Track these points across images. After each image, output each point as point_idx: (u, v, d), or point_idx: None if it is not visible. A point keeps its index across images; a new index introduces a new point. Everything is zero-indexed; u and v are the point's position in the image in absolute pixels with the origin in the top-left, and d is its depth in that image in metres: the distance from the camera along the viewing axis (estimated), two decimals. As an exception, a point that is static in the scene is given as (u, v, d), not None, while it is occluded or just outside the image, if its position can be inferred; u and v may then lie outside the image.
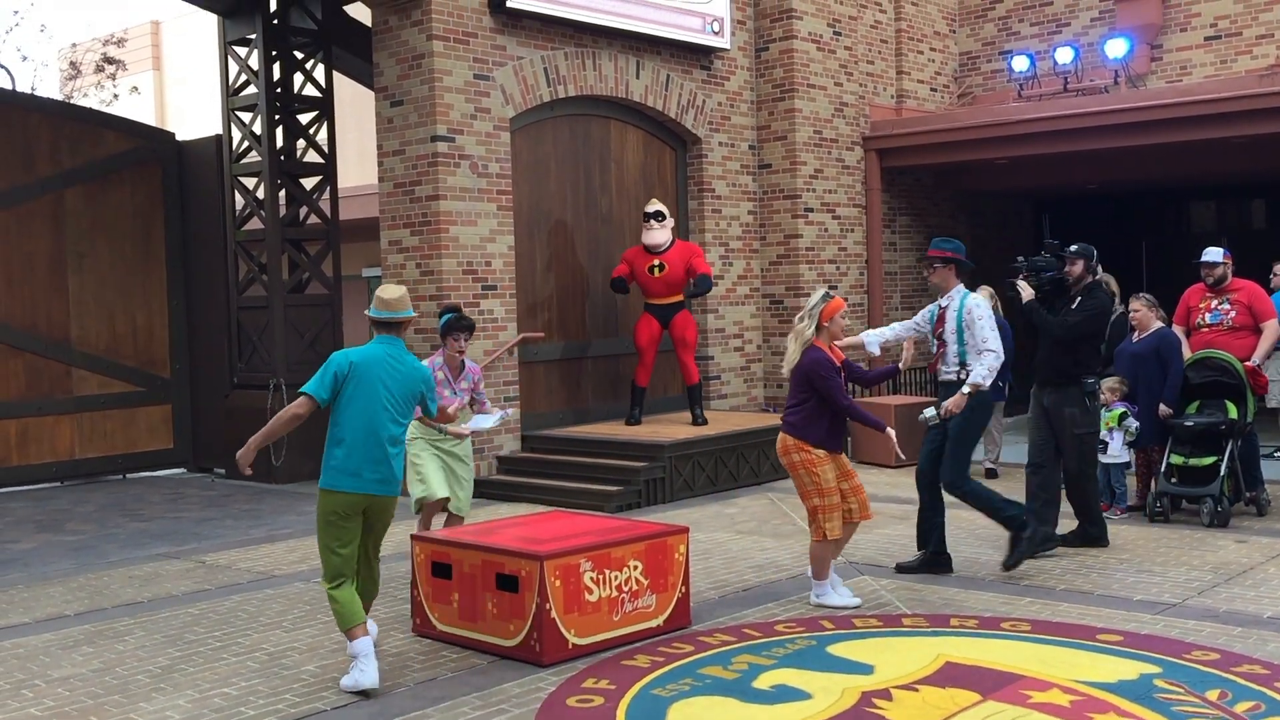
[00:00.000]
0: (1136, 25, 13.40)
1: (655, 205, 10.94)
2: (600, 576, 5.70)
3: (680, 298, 10.86)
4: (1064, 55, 13.13)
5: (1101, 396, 8.12)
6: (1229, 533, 7.90)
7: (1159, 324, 8.46)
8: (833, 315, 6.23)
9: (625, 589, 5.80)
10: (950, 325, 6.85)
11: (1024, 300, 7.36)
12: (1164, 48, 13.52)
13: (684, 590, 6.09)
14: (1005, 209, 16.07)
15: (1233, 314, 8.60)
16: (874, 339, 7.13)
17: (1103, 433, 8.40)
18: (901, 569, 7.07)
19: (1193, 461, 8.21)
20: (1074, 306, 7.37)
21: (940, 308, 6.96)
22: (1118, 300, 9.05)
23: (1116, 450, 8.38)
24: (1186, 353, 8.61)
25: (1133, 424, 8.31)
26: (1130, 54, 12.95)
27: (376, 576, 5.57)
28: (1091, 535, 7.53)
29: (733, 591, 6.72)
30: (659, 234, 10.75)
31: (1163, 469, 8.37)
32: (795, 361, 6.21)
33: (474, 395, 7.18)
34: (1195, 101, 11.49)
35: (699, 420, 10.82)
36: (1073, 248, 7.49)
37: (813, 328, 6.19)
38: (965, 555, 7.44)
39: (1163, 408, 8.27)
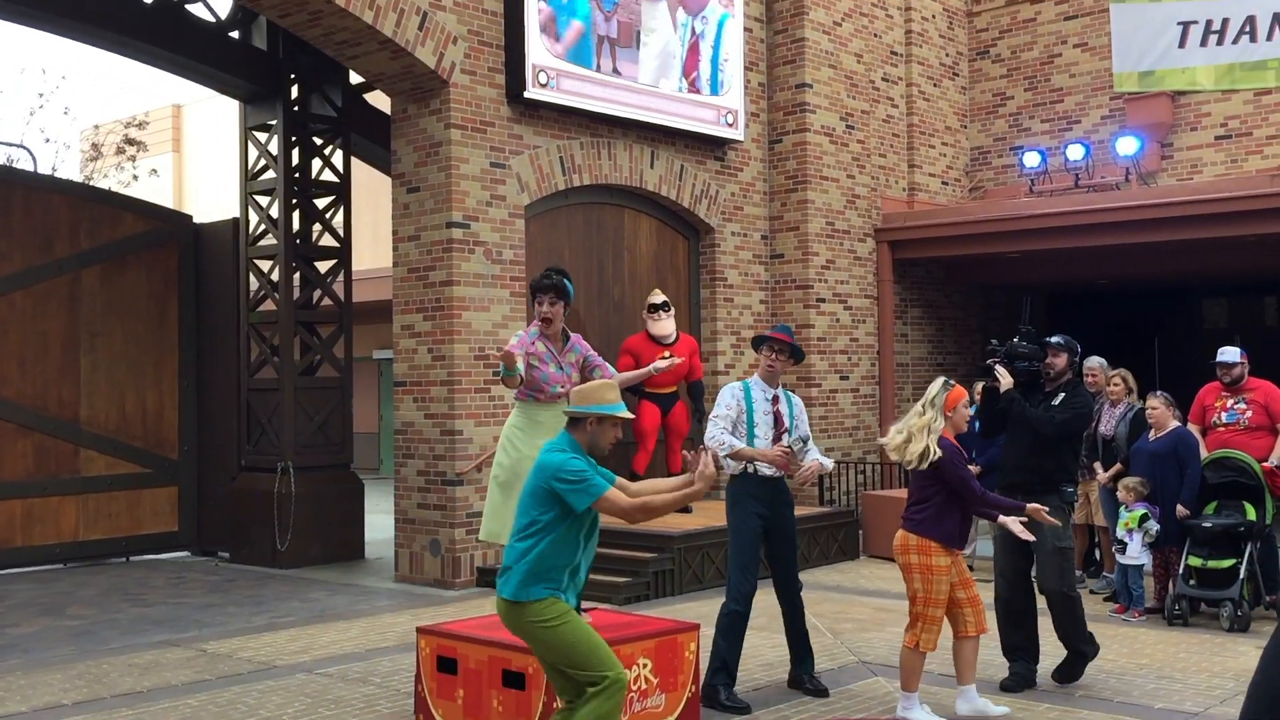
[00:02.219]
0: (1147, 124, 13.54)
1: (661, 296, 10.96)
2: (609, 675, 5.57)
3: (676, 389, 10.88)
4: (1075, 152, 13.25)
5: (1119, 496, 8.03)
6: (1250, 637, 7.73)
7: (1176, 423, 8.39)
8: (955, 405, 5.96)
9: (634, 688, 5.67)
10: (788, 422, 6.48)
11: (1002, 389, 6.66)
12: (1174, 146, 13.64)
13: (694, 690, 5.95)
14: (1017, 302, 16.07)
15: (1249, 414, 8.54)
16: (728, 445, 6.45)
17: (1121, 533, 8.30)
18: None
19: (1211, 563, 8.08)
20: (1056, 403, 6.69)
21: (774, 399, 6.54)
22: (1134, 396, 9.00)
23: (1135, 552, 8.25)
24: (1203, 451, 8.53)
25: (1154, 526, 8.19)
26: (1141, 152, 13.07)
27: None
28: (1088, 656, 6.64)
29: (743, 691, 6.57)
30: (668, 324, 10.77)
31: (1181, 571, 8.23)
32: (919, 453, 5.82)
33: (589, 373, 6.22)
34: (1206, 200, 11.56)
35: (684, 509, 10.76)
36: (1056, 339, 6.87)
37: (940, 418, 5.89)
38: (981, 658, 7.27)
39: (1180, 509, 8.16)
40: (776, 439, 6.43)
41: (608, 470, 4.81)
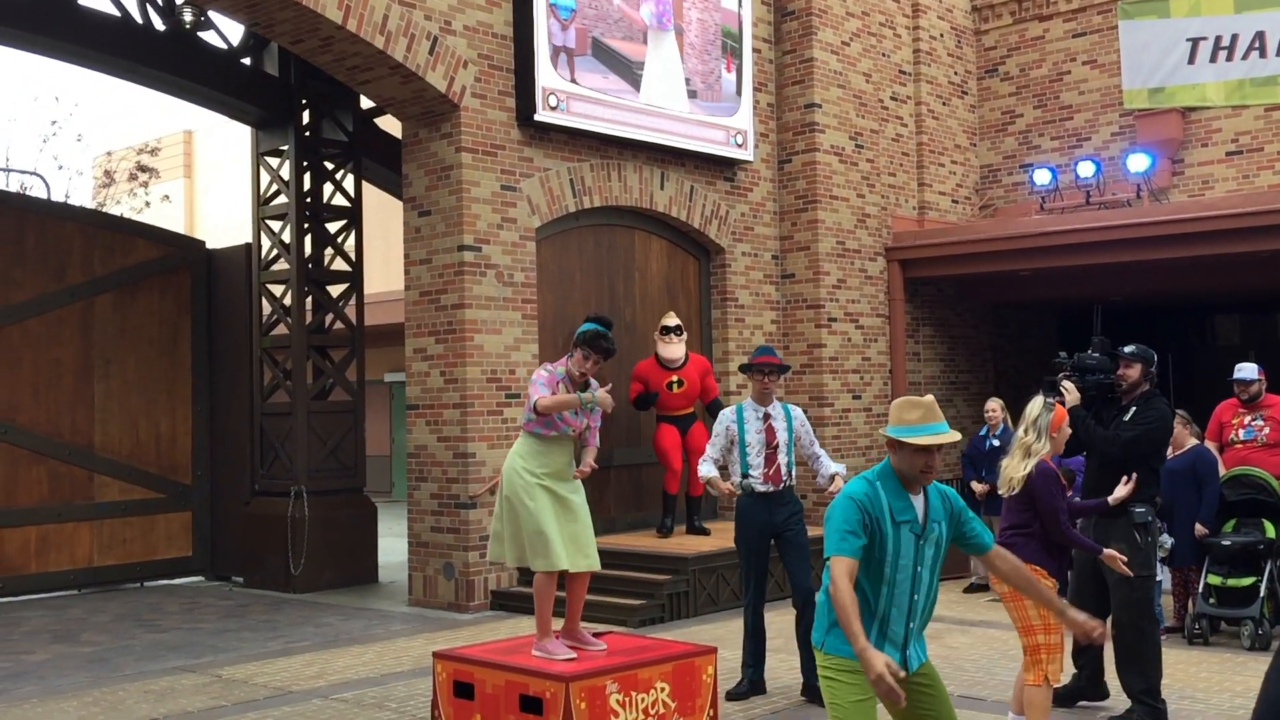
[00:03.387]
0: (1157, 140, 13.52)
1: (675, 319, 10.98)
2: (627, 699, 5.55)
3: (692, 409, 10.88)
4: (1085, 169, 13.24)
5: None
6: (1271, 656, 7.65)
7: (1194, 441, 8.35)
8: (1059, 426, 5.73)
9: (652, 712, 5.65)
10: (783, 436, 6.95)
11: (1068, 404, 6.23)
12: (1185, 162, 13.62)
13: (712, 714, 5.92)
14: (1028, 320, 16.06)
15: (1266, 430, 8.50)
16: (708, 468, 7.08)
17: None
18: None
19: (1231, 582, 8.02)
20: (1127, 419, 6.29)
21: (764, 417, 7.00)
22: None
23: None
24: (1221, 468, 8.48)
25: (1167, 540, 8.15)
26: (1152, 168, 13.04)
27: None
28: (1158, 712, 6.08)
29: (761, 714, 6.53)
30: (678, 348, 10.79)
31: (1200, 589, 8.17)
32: (1020, 478, 5.60)
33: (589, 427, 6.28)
34: (1217, 216, 11.52)
35: (699, 530, 10.75)
36: (1129, 349, 6.44)
37: (1043, 441, 5.65)
38: (1000, 679, 7.23)
39: (1200, 528, 8.11)
40: (770, 454, 6.97)
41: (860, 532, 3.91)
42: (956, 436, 4.21)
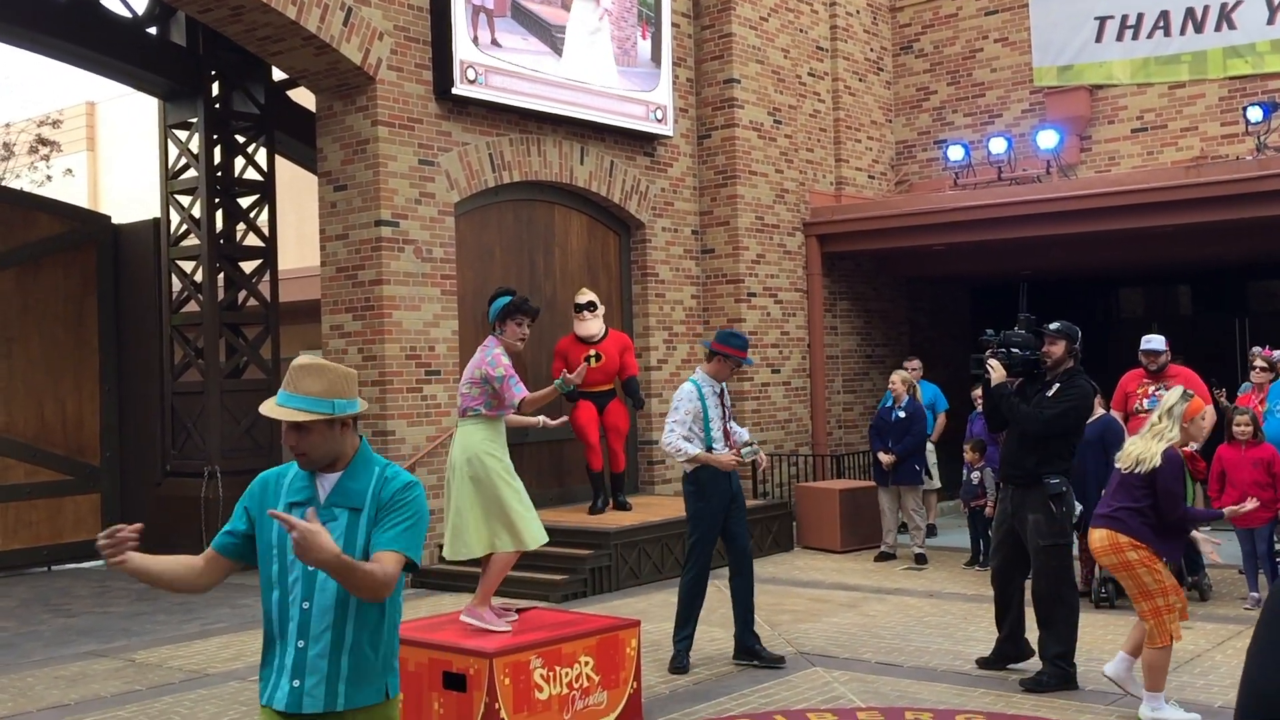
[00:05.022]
0: (1066, 118, 13.81)
1: (588, 295, 10.95)
2: (551, 673, 5.56)
3: (612, 385, 10.89)
4: (997, 145, 13.48)
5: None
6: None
7: (1101, 411, 8.57)
8: (1193, 416, 5.87)
9: (576, 686, 5.67)
10: (728, 408, 7.23)
11: (993, 382, 6.51)
12: (1093, 139, 13.94)
13: (635, 686, 5.96)
14: (943, 294, 16.34)
15: (1170, 400, 8.74)
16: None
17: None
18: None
19: (1136, 546, 8.26)
20: (1050, 395, 6.44)
21: (719, 393, 7.16)
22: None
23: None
24: (1127, 439, 8.72)
25: (1075, 506, 8.36)
26: (1061, 145, 13.33)
27: None
28: (1055, 675, 6.28)
29: (684, 686, 6.59)
30: (594, 324, 10.78)
31: (1107, 554, 8.40)
32: (1150, 461, 5.70)
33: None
34: (1123, 191, 11.82)
35: (623, 505, 10.82)
36: (1054, 325, 6.61)
37: (1175, 429, 5.77)
38: (916, 645, 7.39)
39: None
40: (725, 426, 7.07)
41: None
42: (305, 414, 3.08)
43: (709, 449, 6.96)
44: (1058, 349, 6.54)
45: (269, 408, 3.14)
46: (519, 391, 6.09)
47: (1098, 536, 5.81)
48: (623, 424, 10.96)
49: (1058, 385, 6.46)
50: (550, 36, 11.22)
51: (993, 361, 6.57)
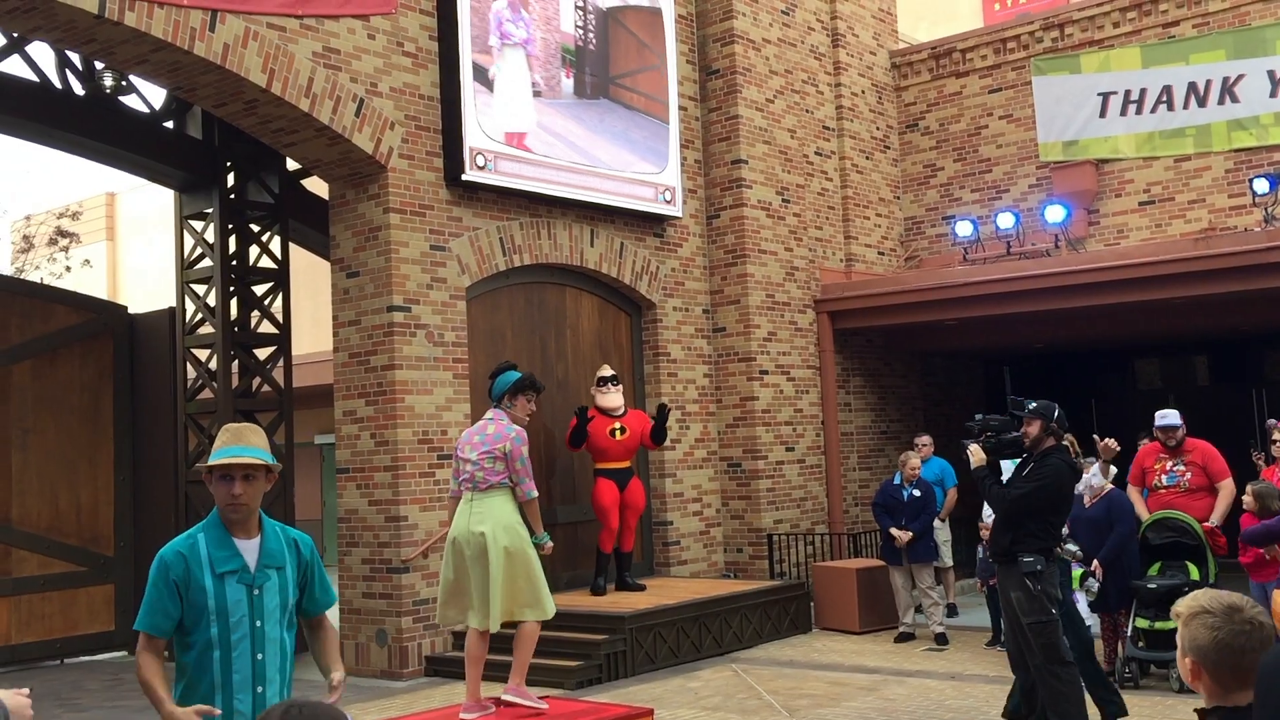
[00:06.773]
0: (1072, 192, 13.89)
1: (609, 370, 11.04)
2: (563, 767, 5.46)
3: (629, 463, 10.88)
4: (1005, 220, 13.55)
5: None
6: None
7: (1110, 487, 8.50)
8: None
9: (589, 779, 5.56)
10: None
11: (972, 466, 6.76)
12: (1100, 212, 14.00)
13: (650, 778, 5.85)
14: (956, 368, 16.32)
15: (1189, 475, 8.68)
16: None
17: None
18: None
19: (1158, 625, 8.13)
20: (1025, 474, 6.65)
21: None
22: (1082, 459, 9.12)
23: (1083, 612, 8.29)
24: (1144, 512, 8.63)
25: (1093, 584, 8.26)
26: (1068, 219, 13.38)
27: None
28: None
29: (700, 776, 6.46)
30: (616, 397, 10.83)
31: (1129, 633, 8.28)
32: None
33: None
34: (1132, 264, 11.82)
35: (633, 586, 10.79)
36: (1031, 405, 6.76)
37: None
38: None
39: (1097, 564, 8.22)
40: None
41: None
42: (260, 459, 3.67)
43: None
44: (1034, 428, 6.67)
45: (226, 459, 3.63)
46: (533, 490, 6.66)
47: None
48: (641, 504, 10.95)
49: (1032, 465, 6.63)
50: (484, 78, 10.78)
51: (973, 446, 6.79)
